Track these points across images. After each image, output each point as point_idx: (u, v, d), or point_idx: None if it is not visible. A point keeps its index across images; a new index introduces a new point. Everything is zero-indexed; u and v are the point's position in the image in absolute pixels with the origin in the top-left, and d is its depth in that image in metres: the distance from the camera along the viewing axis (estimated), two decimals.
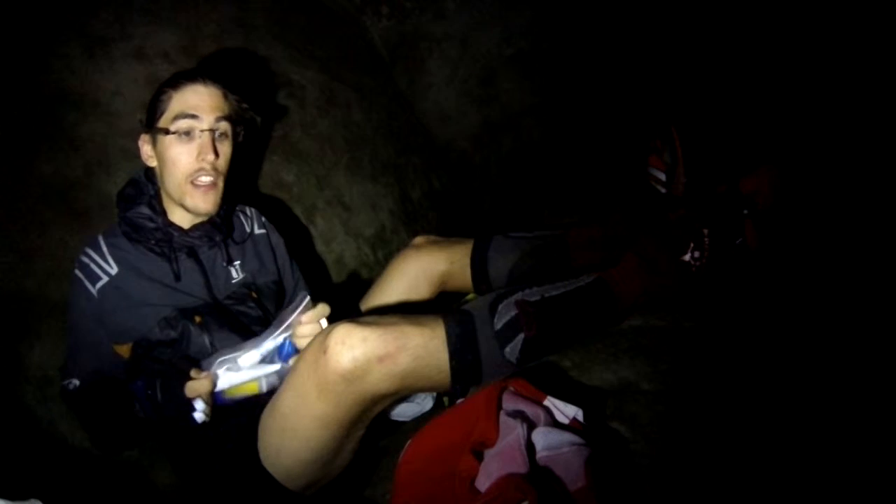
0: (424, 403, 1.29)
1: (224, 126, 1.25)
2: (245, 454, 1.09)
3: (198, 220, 1.30)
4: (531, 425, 0.86)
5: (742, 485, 0.90)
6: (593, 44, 2.39)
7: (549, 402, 0.92)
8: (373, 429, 1.08)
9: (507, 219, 2.36)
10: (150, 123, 1.25)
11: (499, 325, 1.06)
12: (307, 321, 1.13)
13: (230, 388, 1.11)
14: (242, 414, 1.13)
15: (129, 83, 1.69)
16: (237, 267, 1.35)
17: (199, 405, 1.06)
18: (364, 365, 0.92)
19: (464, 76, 2.47)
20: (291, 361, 1.10)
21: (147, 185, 1.30)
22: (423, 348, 0.98)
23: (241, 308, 1.30)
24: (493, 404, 0.89)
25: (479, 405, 0.89)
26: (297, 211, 1.90)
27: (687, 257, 1.30)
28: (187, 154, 1.22)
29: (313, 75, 2.11)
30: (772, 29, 2.05)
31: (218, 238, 1.32)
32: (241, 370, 1.11)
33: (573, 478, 0.79)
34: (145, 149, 1.28)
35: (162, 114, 1.23)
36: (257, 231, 1.44)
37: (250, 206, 1.49)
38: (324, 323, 1.13)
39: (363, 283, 1.91)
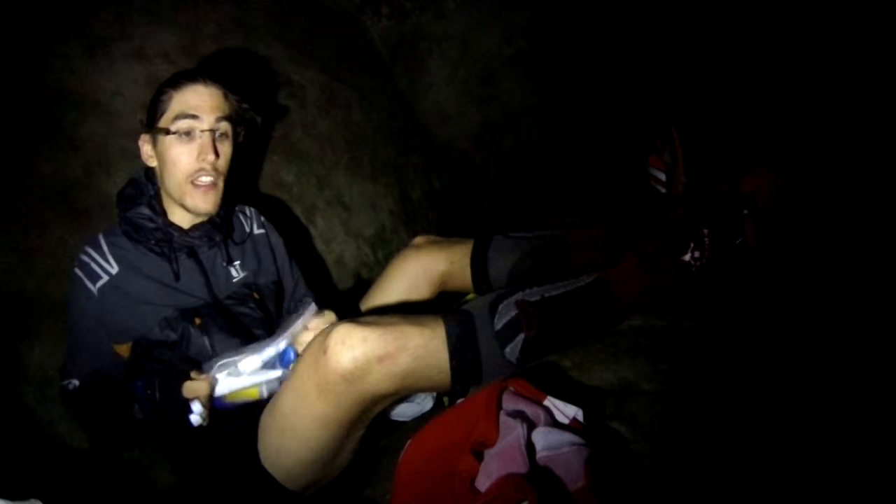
0: (424, 403, 1.29)
1: (224, 126, 1.25)
2: (245, 454, 1.09)
3: (198, 220, 1.30)
4: (531, 425, 0.86)
5: (742, 485, 0.90)
6: (593, 44, 2.39)
7: (549, 402, 0.92)
8: (373, 429, 1.08)
9: (507, 219, 2.36)
10: (151, 123, 1.25)
11: (499, 325, 1.06)
12: (313, 328, 1.13)
13: (230, 394, 1.11)
14: (243, 418, 1.13)
15: (129, 83, 1.69)
16: (237, 267, 1.35)
17: (197, 407, 1.06)
18: (364, 365, 0.92)
19: (464, 76, 2.47)
20: (293, 368, 1.10)
21: (147, 185, 1.30)
22: (423, 348, 0.98)
23: (242, 309, 1.30)
24: (493, 404, 0.89)
25: (479, 405, 0.89)
26: (297, 211, 1.90)
27: (687, 257, 1.30)
28: (188, 154, 1.22)
29: (313, 75, 2.11)
30: (772, 29, 2.05)
31: (218, 238, 1.32)
32: (241, 375, 1.11)
33: (573, 478, 0.79)
34: (145, 149, 1.28)
35: (162, 114, 1.23)
36: (257, 231, 1.44)
37: (250, 205, 1.49)
38: None
39: (363, 283, 1.91)
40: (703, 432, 1.00)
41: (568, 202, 2.32)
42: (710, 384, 1.10)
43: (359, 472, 1.17)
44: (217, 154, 1.23)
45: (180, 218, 1.29)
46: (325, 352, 0.93)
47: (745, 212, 1.35)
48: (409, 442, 0.95)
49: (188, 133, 1.22)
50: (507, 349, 1.06)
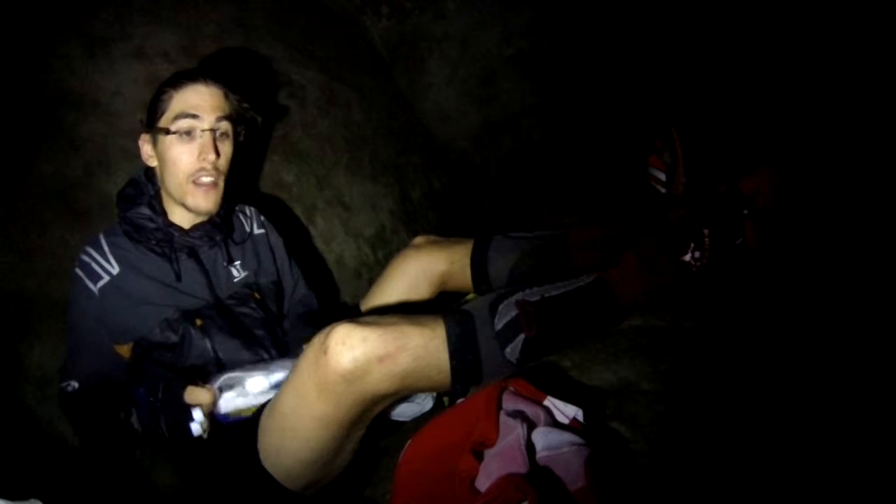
0: (424, 403, 1.29)
1: (225, 126, 1.25)
2: (245, 454, 1.08)
3: (198, 219, 1.30)
4: (531, 425, 0.86)
5: (742, 484, 0.90)
6: (593, 44, 2.39)
7: (549, 402, 0.92)
8: (373, 429, 1.08)
9: (507, 219, 2.36)
10: (151, 123, 1.25)
11: (499, 325, 1.06)
12: None
13: (234, 411, 1.11)
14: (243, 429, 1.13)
15: (129, 83, 1.69)
16: (238, 267, 1.35)
17: (198, 416, 1.05)
18: (364, 365, 0.92)
19: (464, 76, 2.47)
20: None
21: (147, 185, 1.30)
22: (423, 348, 0.98)
23: (243, 309, 1.30)
24: (493, 404, 0.89)
25: (479, 405, 0.89)
26: (297, 211, 1.90)
27: (687, 257, 1.30)
28: (188, 154, 1.22)
29: (313, 75, 2.11)
30: (772, 29, 2.05)
31: (218, 238, 1.32)
32: (247, 395, 1.10)
33: (573, 478, 0.79)
34: (145, 148, 1.28)
35: (162, 113, 1.23)
36: (257, 231, 1.44)
37: (250, 205, 1.49)
38: None
39: (363, 283, 1.91)
40: (703, 432, 1.00)
41: (568, 202, 2.32)
42: (710, 384, 1.10)
43: (359, 472, 1.17)
44: (218, 153, 1.23)
45: (181, 218, 1.29)
46: (325, 352, 0.93)
47: (745, 212, 1.35)
48: (409, 442, 0.95)
49: (189, 132, 1.22)
50: (508, 349, 1.06)
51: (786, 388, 1.07)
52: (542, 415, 0.88)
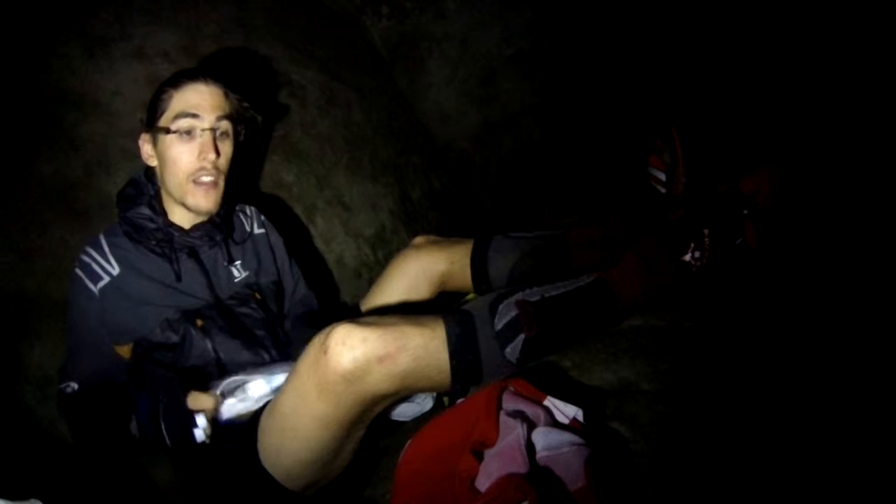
0: (424, 403, 1.29)
1: (225, 125, 1.25)
2: (245, 454, 1.08)
3: (198, 219, 1.29)
4: (531, 425, 0.86)
5: (742, 484, 0.90)
6: (593, 44, 2.39)
7: (549, 402, 0.92)
8: (373, 429, 1.08)
9: (507, 219, 2.37)
10: (151, 122, 1.25)
11: (499, 325, 1.06)
12: None
13: (235, 416, 1.11)
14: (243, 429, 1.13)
15: (129, 83, 1.69)
16: (238, 266, 1.35)
17: (202, 422, 1.04)
18: (364, 365, 0.92)
19: (464, 76, 2.47)
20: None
21: (147, 185, 1.30)
22: (423, 348, 0.98)
23: (244, 310, 1.30)
24: (493, 404, 0.89)
25: (479, 405, 0.89)
26: (297, 211, 1.90)
27: (687, 257, 1.30)
28: (188, 153, 1.22)
29: (313, 75, 2.11)
30: (772, 29, 2.05)
31: (219, 238, 1.32)
32: (249, 400, 1.10)
33: (573, 478, 0.79)
34: (146, 148, 1.28)
35: (163, 113, 1.23)
36: (257, 231, 1.44)
37: (250, 205, 1.49)
38: None
39: (363, 283, 1.91)
40: (703, 432, 1.00)
41: (568, 202, 2.33)
42: (710, 384, 1.10)
43: (359, 472, 1.17)
44: (218, 153, 1.23)
45: (181, 218, 1.29)
46: (325, 352, 0.93)
47: (745, 212, 1.35)
48: (409, 442, 0.95)
49: (189, 132, 1.22)
50: (508, 349, 1.06)
51: (786, 388, 1.07)
52: (542, 415, 0.88)
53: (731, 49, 2.10)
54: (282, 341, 1.33)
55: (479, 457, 0.85)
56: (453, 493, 0.82)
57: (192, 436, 1.05)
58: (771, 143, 1.78)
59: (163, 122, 1.23)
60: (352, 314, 1.50)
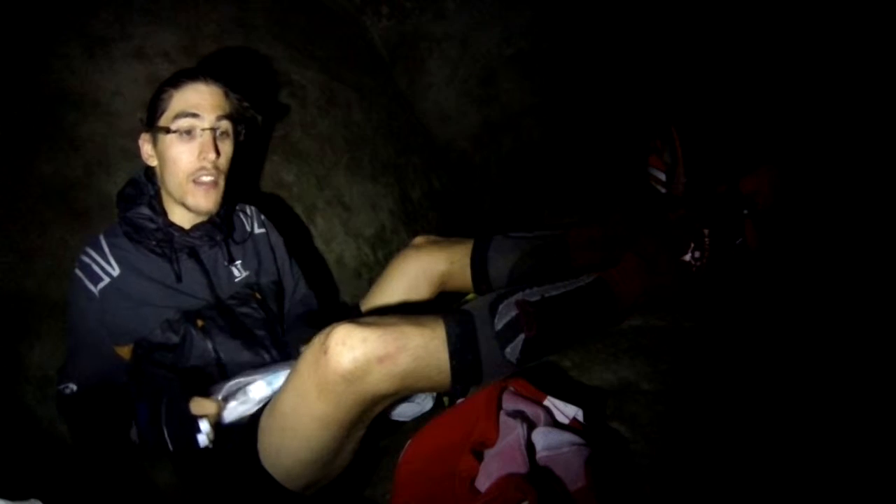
0: (424, 403, 1.29)
1: (225, 125, 1.25)
2: (245, 454, 1.08)
3: (198, 219, 1.29)
4: (531, 425, 0.86)
5: (742, 484, 0.90)
6: (593, 44, 2.39)
7: (549, 402, 0.92)
8: (373, 429, 1.08)
9: (507, 219, 2.37)
10: (151, 122, 1.25)
11: (499, 325, 1.06)
12: None
13: (237, 419, 1.11)
14: (243, 429, 1.13)
15: (129, 83, 1.69)
16: (239, 266, 1.35)
17: (205, 428, 1.04)
18: (364, 365, 0.92)
19: (464, 76, 2.47)
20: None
21: (147, 185, 1.30)
22: (423, 348, 0.98)
23: (245, 310, 1.30)
24: (493, 404, 0.89)
25: (479, 405, 0.89)
26: (297, 211, 1.90)
27: (687, 257, 1.30)
28: (188, 153, 1.22)
29: (313, 75, 2.11)
30: (772, 29, 2.05)
31: (219, 237, 1.32)
32: (249, 402, 1.10)
33: (573, 478, 0.79)
34: (145, 148, 1.28)
35: (163, 112, 1.23)
36: (257, 230, 1.44)
37: (250, 204, 1.48)
38: None
39: (363, 283, 1.91)
40: (703, 432, 1.00)
41: (568, 202, 2.33)
42: (710, 384, 1.10)
43: (359, 472, 1.17)
44: (218, 153, 1.23)
45: (181, 218, 1.29)
46: (325, 352, 0.93)
47: (745, 212, 1.35)
48: (409, 442, 0.95)
49: (189, 132, 1.21)
50: (508, 349, 1.06)
51: (786, 388, 1.07)
52: (542, 415, 0.88)
53: (731, 49, 2.10)
54: (282, 341, 1.33)
55: (479, 457, 0.85)
56: (453, 493, 0.82)
57: (196, 441, 1.04)
58: (771, 143, 1.78)
59: (163, 122, 1.23)
60: (352, 314, 1.50)
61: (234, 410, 1.10)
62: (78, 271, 1.23)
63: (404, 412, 1.27)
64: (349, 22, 2.44)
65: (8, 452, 1.23)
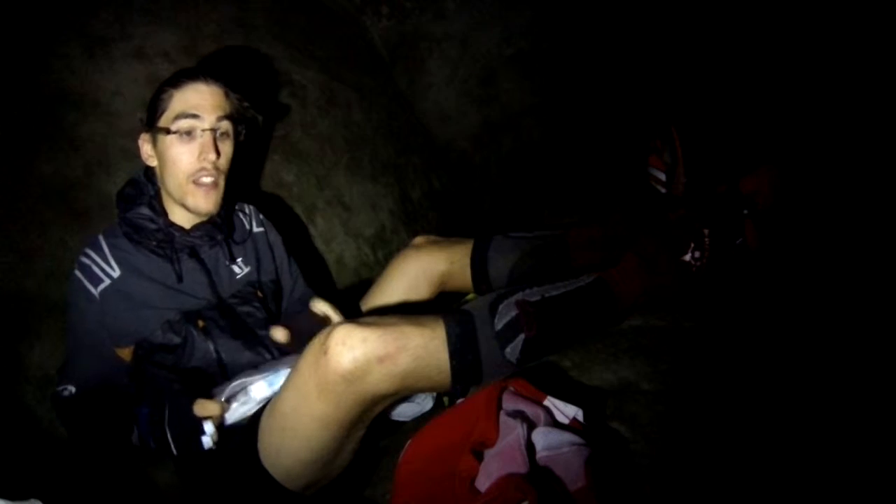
0: (424, 403, 1.29)
1: (225, 125, 1.25)
2: (245, 454, 1.08)
3: (199, 219, 1.29)
4: (531, 425, 0.86)
5: (742, 485, 0.90)
6: (593, 44, 2.39)
7: (549, 402, 0.92)
8: (373, 429, 1.08)
9: (507, 219, 2.37)
10: (151, 122, 1.25)
11: (499, 325, 1.06)
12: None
13: (238, 420, 1.11)
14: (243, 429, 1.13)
15: (129, 83, 1.70)
16: (240, 263, 1.35)
17: (209, 429, 1.04)
18: (364, 365, 0.92)
19: (464, 76, 2.47)
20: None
21: (147, 185, 1.30)
22: (423, 348, 0.98)
23: (246, 308, 1.30)
24: (493, 404, 0.89)
25: (479, 405, 0.89)
26: (297, 211, 1.90)
27: (687, 257, 1.30)
28: (189, 154, 1.21)
29: (314, 75, 2.11)
30: (772, 29, 2.05)
31: (220, 237, 1.32)
32: (251, 403, 1.10)
33: (573, 478, 0.79)
34: (145, 148, 1.27)
35: (163, 113, 1.23)
36: (256, 229, 1.44)
37: (248, 203, 1.48)
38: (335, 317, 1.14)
39: (363, 283, 1.91)
40: (703, 432, 1.00)
41: (568, 202, 2.33)
42: (710, 384, 1.10)
43: (359, 472, 1.17)
44: (218, 153, 1.23)
45: (181, 218, 1.29)
46: (325, 352, 0.93)
47: (746, 212, 1.35)
48: (409, 442, 0.95)
49: (189, 132, 1.21)
50: (508, 349, 1.06)
51: (786, 388, 1.07)
52: (542, 415, 0.88)
53: (732, 49, 2.10)
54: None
55: (479, 457, 0.85)
56: (453, 493, 0.82)
57: (200, 444, 1.04)
58: (771, 143, 1.78)
59: (163, 123, 1.22)
60: (352, 314, 1.49)
61: (236, 411, 1.10)
62: (77, 272, 1.23)
63: (404, 412, 1.27)
64: (349, 22, 2.44)
65: (8, 452, 1.23)
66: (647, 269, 1.25)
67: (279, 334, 1.14)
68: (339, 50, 2.28)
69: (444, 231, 2.01)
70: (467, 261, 1.47)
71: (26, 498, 0.84)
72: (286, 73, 2.04)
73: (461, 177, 2.49)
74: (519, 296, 1.11)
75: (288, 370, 1.09)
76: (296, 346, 1.16)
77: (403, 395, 1.06)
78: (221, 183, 1.26)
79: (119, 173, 1.57)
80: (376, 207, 2.08)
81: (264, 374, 1.12)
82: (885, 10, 1.76)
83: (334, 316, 1.16)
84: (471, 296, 1.53)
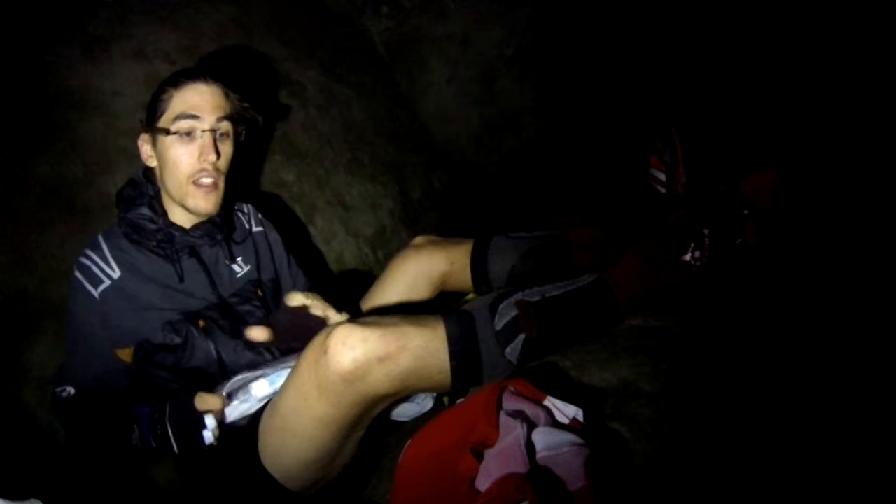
0: (424, 403, 1.29)
1: (225, 126, 1.25)
2: (245, 455, 1.08)
3: (199, 219, 1.29)
4: (531, 425, 0.86)
5: (742, 485, 0.90)
6: (594, 43, 2.39)
7: (549, 402, 0.92)
8: (373, 429, 1.08)
9: (507, 219, 2.36)
10: (150, 123, 1.24)
11: (499, 325, 1.06)
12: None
13: (239, 418, 1.11)
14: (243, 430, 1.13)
15: (129, 83, 1.69)
16: (240, 262, 1.35)
17: (211, 423, 1.04)
18: (364, 365, 0.92)
19: (464, 76, 2.47)
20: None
21: (146, 186, 1.29)
22: (423, 349, 0.98)
23: (246, 307, 1.30)
24: (492, 404, 0.89)
25: (478, 405, 0.89)
26: (297, 210, 1.90)
27: (687, 257, 1.30)
28: (189, 155, 1.21)
29: (314, 75, 2.11)
30: (772, 29, 2.05)
31: (220, 236, 1.32)
32: (251, 401, 1.10)
33: (573, 478, 0.79)
34: (145, 148, 1.27)
35: (163, 113, 1.22)
36: (255, 228, 1.44)
37: (247, 203, 1.48)
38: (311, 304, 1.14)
39: (363, 283, 1.91)
40: (703, 432, 1.00)
41: (568, 202, 2.32)
42: (710, 384, 1.10)
43: (359, 472, 1.17)
44: (218, 154, 1.23)
45: (181, 218, 1.28)
46: (325, 352, 0.93)
47: (746, 212, 1.35)
48: (409, 442, 0.95)
49: (189, 133, 1.21)
50: (508, 349, 1.06)
51: (786, 388, 1.07)
52: (542, 415, 0.88)
53: (732, 49, 2.10)
54: None
55: (479, 457, 0.85)
56: (453, 493, 0.82)
57: (201, 438, 1.04)
58: (771, 143, 1.78)
59: (163, 123, 1.22)
60: (352, 314, 1.49)
61: (237, 409, 1.10)
62: (77, 273, 1.23)
63: (404, 412, 1.27)
64: (349, 22, 2.44)
65: (8, 452, 1.23)
66: (648, 269, 1.25)
67: (256, 333, 1.13)
68: (339, 50, 2.28)
69: (444, 231, 2.02)
70: (467, 261, 1.48)
71: (26, 498, 0.84)
72: (286, 73, 2.04)
73: (461, 177, 2.49)
74: (519, 296, 1.11)
75: (289, 369, 1.09)
76: (279, 343, 1.17)
77: (404, 395, 1.06)
78: (221, 183, 1.26)
79: (119, 173, 1.57)
80: (376, 207, 2.08)
81: (266, 373, 1.12)
82: (885, 11, 1.76)
83: (310, 303, 1.15)
84: (471, 296, 1.53)
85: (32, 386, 1.34)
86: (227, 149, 1.26)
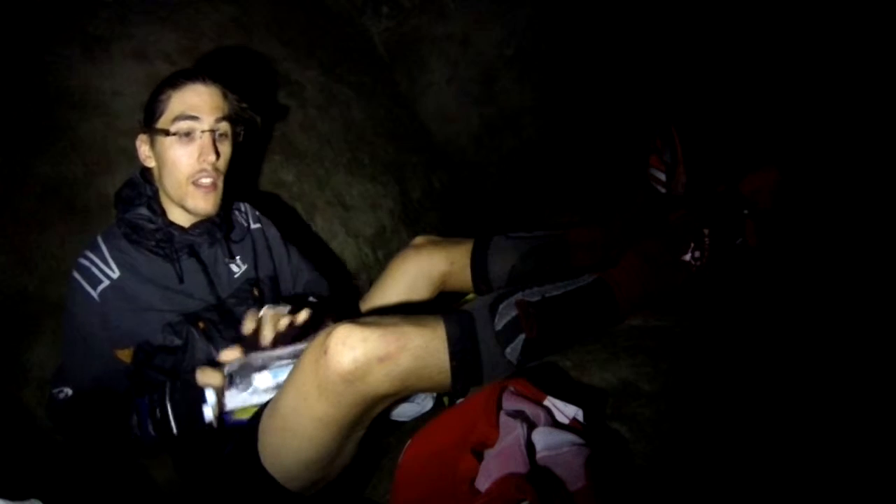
0: (424, 403, 1.29)
1: (224, 126, 1.25)
2: (245, 455, 1.08)
3: (197, 219, 1.29)
4: (531, 425, 0.86)
5: (742, 485, 0.90)
6: (594, 43, 2.39)
7: (549, 402, 0.92)
8: (373, 429, 1.08)
9: (507, 219, 2.36)
10: (149, 123, 1.24)
11: (499, 325, 1.06)
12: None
13: (240, 409, 1.10)
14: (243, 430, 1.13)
15: (129, 83, 1.69)
16: (238, 261, 1.35)
17: (211, 398, 1.04)
18: (364, 365, 0.92)
19: (464, 76, 2.47)
20: None
21: (145, 186, 1.28)
22: (423, 349, 0.98)
23: (243, 308, 1.29)
24: (492, 404, 0.89)
25: (478, 405, 0.89)
26: (297, 210, 1.90)
27: (687, 257, 1.30)
28: (188, 156, 1.21)
29: (313, 75, 2.11)
30: (772, 29, 2.05)
31: (219, 235, 1.32)
32: (252, 391, 1.09)
33: (573, 478, 0.79)
34: (143, 149, 1.27)
35: (161, 114, 1.22)
36: (253, 226, 1.44)
37: (244, 201, 1.48)
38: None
39: (363, 283, 1.91)
40: (703, 432, 1.00)
41: (568, 202, 2.32)
42: (710, 384, 1.10)
43: (359, 472, 1.17)
44: (217, 154, 1.23)
45: (180, 218, 1.28)
46: (325, 352, 0.93)
47: (746, 212, 1.35)
48: (409, 442, 0.95)
49: (188, 134, 1.21)
50: (508, 349, 1.06)
51: (786, 388, 1.07)
52: (542, 415, 0.88)
53: (732, 48, 2.10)
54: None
55: (479, 457, 0.85)
56: (453, 493, 0.82)
57: (201, 414, 1.04)
58: (771, 143, 1.78)
59: (161, 124, 1.22)
60: (352, 314, 1.49)
61: (237, 397, 1.09)
62: (76, 274, 1.22)
63: (404, 412, 1.27)
64: (349, 22, 2.44)
65: (8, 452, 1.23)
66: (648, 269, 1.25)
67: (227, 356, 1.12)
68: (338, 50, 2.28)
69: (444, 231, 2.02)
70: (467, 261, 1.48)
71: (26, 498, 0.84)
72: (286, 73, 2.04)
73: (461, 177, 2.49)
74: (519, 296, 1.11)
75: (292, 364, 1.09)
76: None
77: (404, 395, 1.06)
78: (220, 184, 1.26)
79: (119, 173, 1.56)
80: (376, 207, 2.08)
81: (269, 365, 1.10)
82: (885, 11, 1.76)
83: (257, 325, 1.16)
84: (471, 296, 1.53)
85: (32, 386, 1.34)
86: (226, 149, 1.26)
